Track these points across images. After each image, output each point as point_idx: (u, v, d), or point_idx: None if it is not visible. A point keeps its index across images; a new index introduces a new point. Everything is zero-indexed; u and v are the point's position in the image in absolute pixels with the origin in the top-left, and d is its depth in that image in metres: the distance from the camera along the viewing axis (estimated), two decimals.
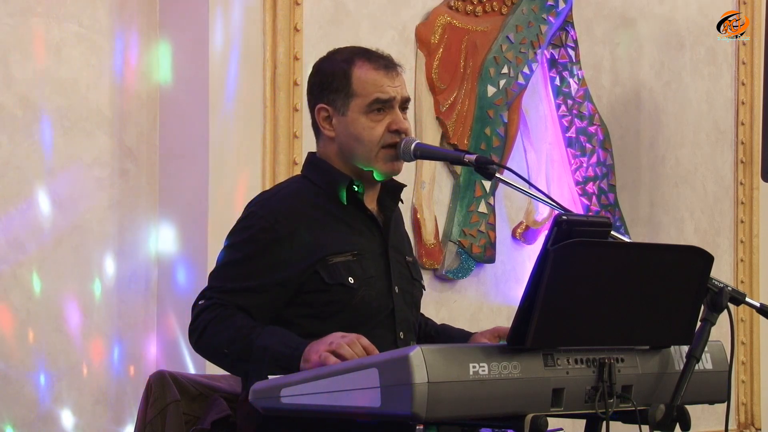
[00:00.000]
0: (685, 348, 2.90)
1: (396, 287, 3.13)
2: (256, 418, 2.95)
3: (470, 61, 5.18)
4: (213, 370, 3.58)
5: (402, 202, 3.26)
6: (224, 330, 2.95)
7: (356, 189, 3.11)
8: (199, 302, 3.04)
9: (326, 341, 2.84)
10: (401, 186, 3.23)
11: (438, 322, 3.44)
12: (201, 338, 3.00)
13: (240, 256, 3.04)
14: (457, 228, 5.13)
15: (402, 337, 3.11)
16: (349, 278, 3.04)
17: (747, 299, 3.01)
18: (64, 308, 4.22)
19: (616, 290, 2.77)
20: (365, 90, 3.10)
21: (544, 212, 5.42)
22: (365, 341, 2.84)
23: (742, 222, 6.28)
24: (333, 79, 3.12)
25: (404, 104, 3.14)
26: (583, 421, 2.96)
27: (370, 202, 3.17)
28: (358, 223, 3.13)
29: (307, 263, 3.02)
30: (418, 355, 2.55)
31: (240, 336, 2.93)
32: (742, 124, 6.29)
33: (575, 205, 5.56)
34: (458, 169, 5.14)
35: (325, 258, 3.03)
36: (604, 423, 2.77)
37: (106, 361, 4.31)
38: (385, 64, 3.13)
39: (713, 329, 2.91)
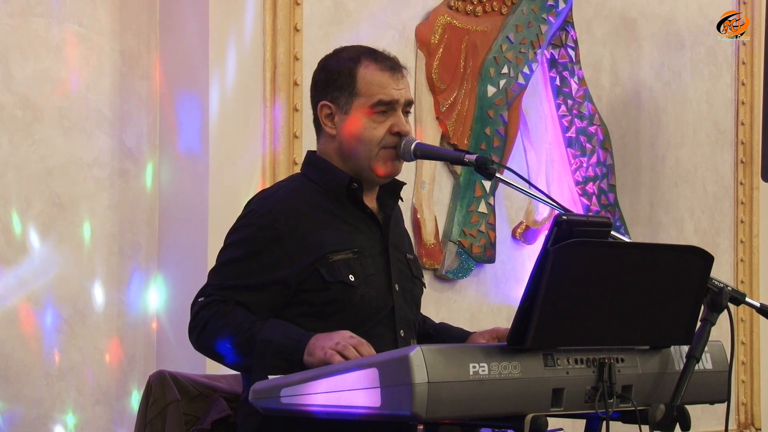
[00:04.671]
0: (685, 348, 2.90)
1: (396, 285, 3.13)
2: (256, 418, 2.95)
3: (470, 61, 5.18)
4: (213, 370, 3.58)
5: (402, 201, 3.26)
6: (225, 325, 2.95)
7: (355, 187, 3.11)
8: (199, 300, 3.04)
9: (333, 339, 2.84)
10: (401, 184, 3.23)
11: (437, 322, 3.44)
12: (201, 335, 2.99)
13: (240, 254, 3.04)
14: (457, 228, 5.12)
15: (402, 335, 3.11)
16: (350, 276, 3.04)
17: (747, 299, 3.01)
18: (64, 309, 4.22)
19: (616, 290, 2.77)
20: (369, 90, 3.10)
21: (544, 212, 5.42)
22: (372, 349, 2.83)
23: (742, 222, 6.28)
24: (338, 76, 3.12)
25: (407, 107, 3.15)
26: (583, 421, 2.96)
27: (370, 201, 3.17)
28: (358, 221, 3.13)
29: (307, 261, 3.02)
30: (418, 355, 2.55)
31: (241, 330, 2.93)
32: (742, 124, 6.29)
33: (575, 205, 5.56)
34: (458, 169, 5.14)
35: (325, 256, 3.03)
36: (604, 423, 2.77)
37: (106, 361, 4.31)
38: (391, 65, 3.13)
39: (713, 329, 2.91)
